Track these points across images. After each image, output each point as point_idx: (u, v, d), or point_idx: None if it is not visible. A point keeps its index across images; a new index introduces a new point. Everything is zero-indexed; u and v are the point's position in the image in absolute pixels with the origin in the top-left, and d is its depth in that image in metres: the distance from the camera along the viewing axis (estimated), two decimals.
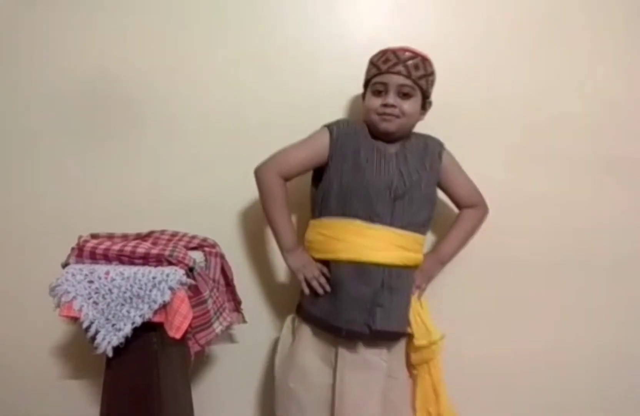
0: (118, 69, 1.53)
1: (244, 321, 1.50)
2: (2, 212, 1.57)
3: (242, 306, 1.50)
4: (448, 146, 1.37)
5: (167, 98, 1.54)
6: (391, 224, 1.24)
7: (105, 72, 1.53)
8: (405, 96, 1.25)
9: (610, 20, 1.53)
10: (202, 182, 1.55)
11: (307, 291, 1.28)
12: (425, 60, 1.26)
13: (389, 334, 1.25)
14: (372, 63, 1.30)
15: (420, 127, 1.34)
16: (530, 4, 1.53)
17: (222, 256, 1.43)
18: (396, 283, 1.24)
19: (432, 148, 1.34)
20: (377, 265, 1.22)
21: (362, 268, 1.22)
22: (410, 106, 1.26)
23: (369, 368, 1.23)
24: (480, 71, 1.53)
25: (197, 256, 1.30)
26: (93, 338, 1.14)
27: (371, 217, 1.23)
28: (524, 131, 1.55)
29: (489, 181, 1.48)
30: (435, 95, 1.32)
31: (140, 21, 1.53)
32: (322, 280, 1.26)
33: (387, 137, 1.29)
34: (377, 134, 1.30)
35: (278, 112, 1.52)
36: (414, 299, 1.32)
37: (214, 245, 1.41)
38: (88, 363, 1.45)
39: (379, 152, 1.28)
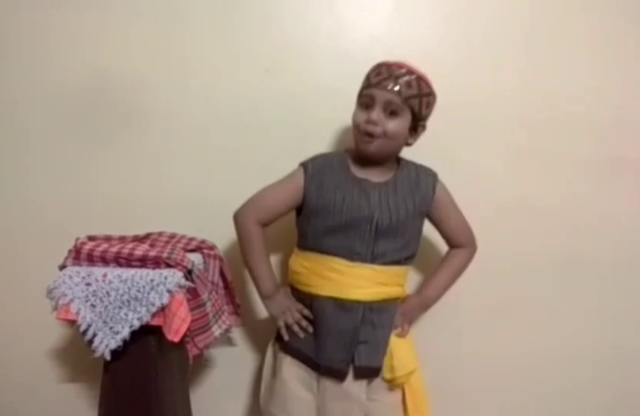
0: (116, 69, 1.52)
1: (243, 325, 1.49)
2: None
3: (241, 309, 1.49)
4: (448, 146, 1.33)
5: (165, 99, 1.53)
6: (372, 261, 1.18)
7: (103, 72, 1.52)
8: (392, 114, 1.15)
9: (610, 20, 1.53)
10: (200, 183, 1.54)
11: (286, 337, 1.24)
12: (421, 79, 1.16)
13: (374, 370, 1.21)
14: (367, 75, 1.21)
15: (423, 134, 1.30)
16: (531, 4, 1.53)
17: (221, 259, 1.41)
18: (378, 318, 1.20)
19: (425, 180, 1.24)
20: (358, 302, 1.18)
21: (342, 304, 1.18)
22: (395, 125, 1.15)
23: (349, 399, 1.20)
24: (480, 70, 1.52)
25: (196, 258, 1.29)
26: (90, 341, 1.12)
27: (350, 256, 1.18)
28: (524, 131, 1.54)
29: (489, 181, 1.48)
30: (436, 95, 1.30)
31: (139, 21, 1.52)
32: (304, 323, 1.23)
33: (369, 159, 1.21)
34: (360, 156, 1.22)
35: (277, 112, 1.51)
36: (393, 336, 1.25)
37: (212, 247, 1.40)
38: (85, 367, 1.44)
39: (359, 187, 1.19)
